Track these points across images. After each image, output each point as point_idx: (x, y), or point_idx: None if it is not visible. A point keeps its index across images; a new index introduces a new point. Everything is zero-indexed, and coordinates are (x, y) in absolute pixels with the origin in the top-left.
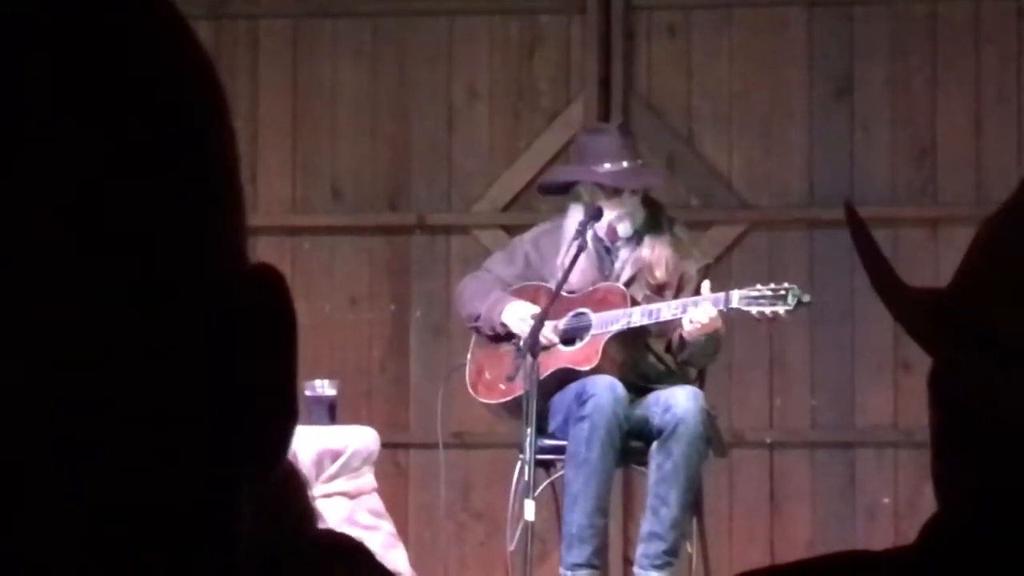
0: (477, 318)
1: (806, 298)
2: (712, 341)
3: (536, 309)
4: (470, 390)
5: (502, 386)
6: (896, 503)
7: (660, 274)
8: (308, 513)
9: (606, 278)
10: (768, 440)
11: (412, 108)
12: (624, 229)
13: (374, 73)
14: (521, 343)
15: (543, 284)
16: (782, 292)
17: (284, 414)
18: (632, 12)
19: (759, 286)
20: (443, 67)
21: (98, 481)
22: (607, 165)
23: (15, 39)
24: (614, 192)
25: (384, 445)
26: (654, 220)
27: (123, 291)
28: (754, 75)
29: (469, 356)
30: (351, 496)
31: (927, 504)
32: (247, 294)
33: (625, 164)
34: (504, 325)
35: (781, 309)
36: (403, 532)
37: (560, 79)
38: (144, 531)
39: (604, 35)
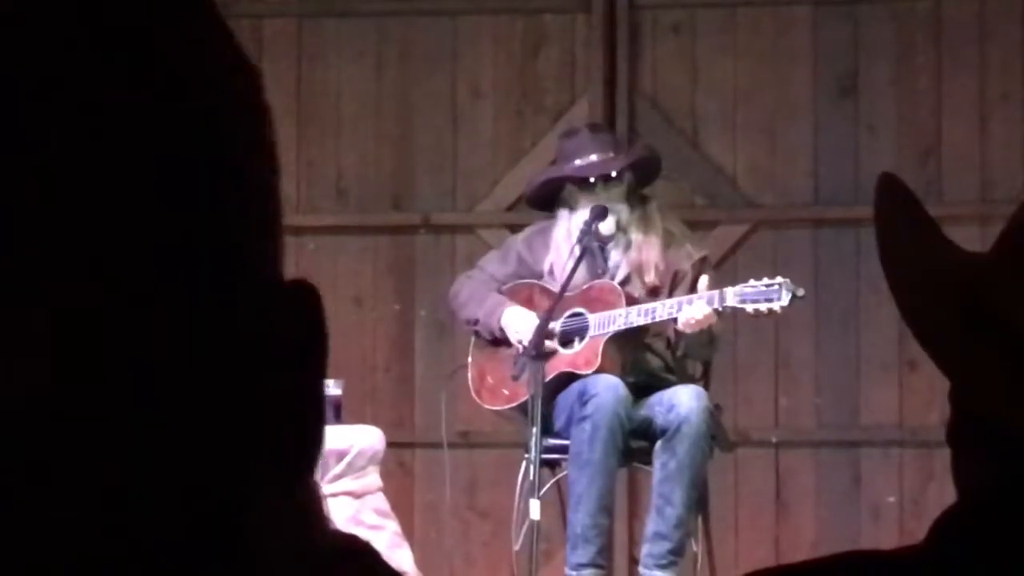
0: (476, 323)
1: (800, 292)
2: (706, 332)
3: (532, 316)
4: (474, 396)
5: (506, 391)
6: (901, 502)
7: (649, 278)
8: (317, 514)
9: (599, 278)
10: (773, 439)
11: (416, 108)
12: (606, 226)
13: (378, 73)
14: (522, 348)
15: (536, 283)
16: (775, 287)
17: (311, 432)
18: (637, 11)
19: (752, 281)
20: (447, 66)
21: (120, 489)
22: (577, 162)
23: (58, 27)
24: (589, 185)
25: (389, 444)
26: (644, 215)
27: (154, 300)
28: (759, 74)
29: (469, 360)
30: (356, 496)
31: (932, 503)
32: (281, 309)
33: (594, 157)
34: (503, 331)
35: (776, 306)
36: (408, 531)
37: (564, 78)
38: (162, 541)
39: (609, 34)
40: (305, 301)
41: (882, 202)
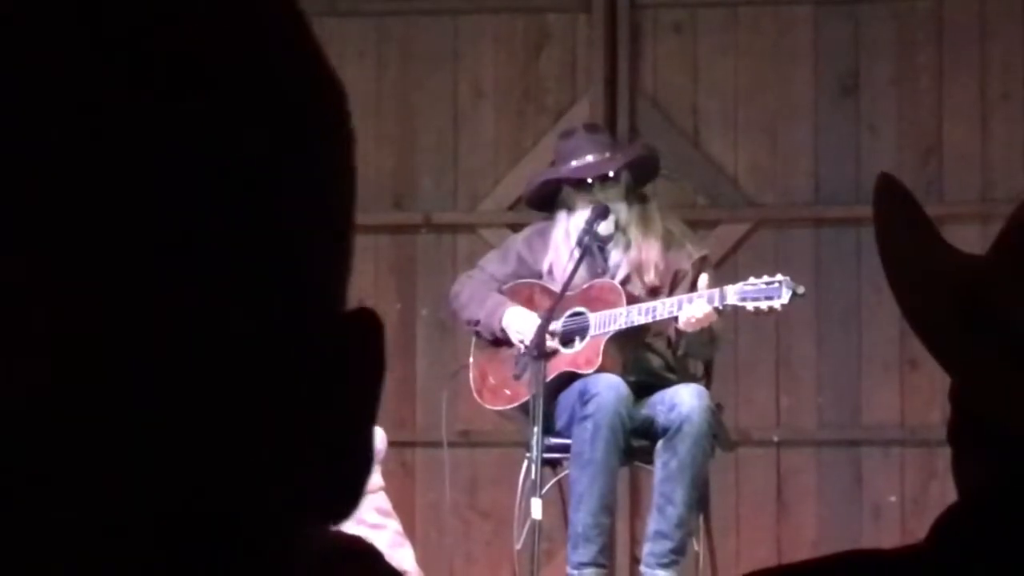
0: (477, 323)
1: (800, 290)
2: (706, 331)
3: (533, 316)
4: (476, 397)
5: (507, 391)
6: (902, 501)
7: (649, 278)
8: None
9: (599, 278)
10: (774, 438)
11: (418, 107)
12: (604, 226)
13: (380, 72)
14: (523, 348)
15: (537, 283)
16: (776, 285)
17: (358, 469)
18: (638, 11)
19: (752, 279)
20: (449, 66)
21: (120, 489)
22: (573, 163)
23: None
24: (586, 186)
25: (390, 444)
26: (643, 215)
27: (155, 300)
28: (760, 74)
29: (471, 360)
30: None
31: (933, 502)
32: (339, 342)
33: (590, 158)
34: (504, 331)
35: (777, 303)
36: (410, 531)
37: (566, 78)
38: (162, 542)
39: (610, 34)
40: (364, 337)
41: (881, 202)
